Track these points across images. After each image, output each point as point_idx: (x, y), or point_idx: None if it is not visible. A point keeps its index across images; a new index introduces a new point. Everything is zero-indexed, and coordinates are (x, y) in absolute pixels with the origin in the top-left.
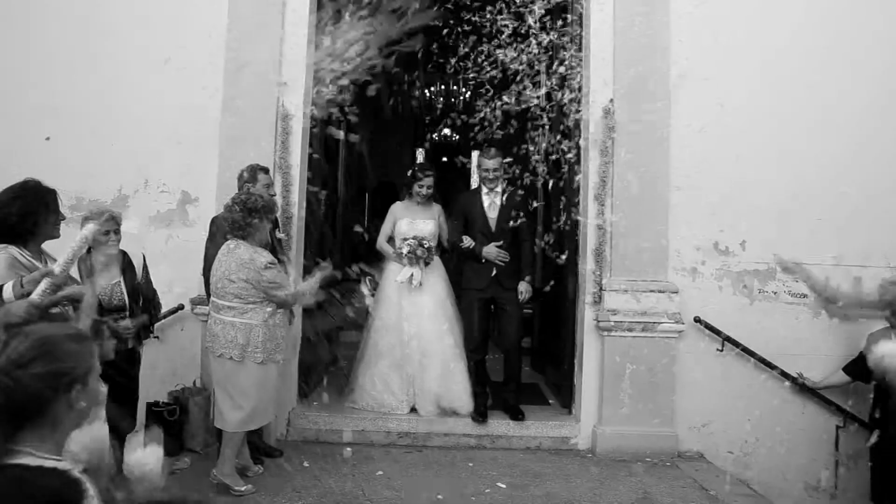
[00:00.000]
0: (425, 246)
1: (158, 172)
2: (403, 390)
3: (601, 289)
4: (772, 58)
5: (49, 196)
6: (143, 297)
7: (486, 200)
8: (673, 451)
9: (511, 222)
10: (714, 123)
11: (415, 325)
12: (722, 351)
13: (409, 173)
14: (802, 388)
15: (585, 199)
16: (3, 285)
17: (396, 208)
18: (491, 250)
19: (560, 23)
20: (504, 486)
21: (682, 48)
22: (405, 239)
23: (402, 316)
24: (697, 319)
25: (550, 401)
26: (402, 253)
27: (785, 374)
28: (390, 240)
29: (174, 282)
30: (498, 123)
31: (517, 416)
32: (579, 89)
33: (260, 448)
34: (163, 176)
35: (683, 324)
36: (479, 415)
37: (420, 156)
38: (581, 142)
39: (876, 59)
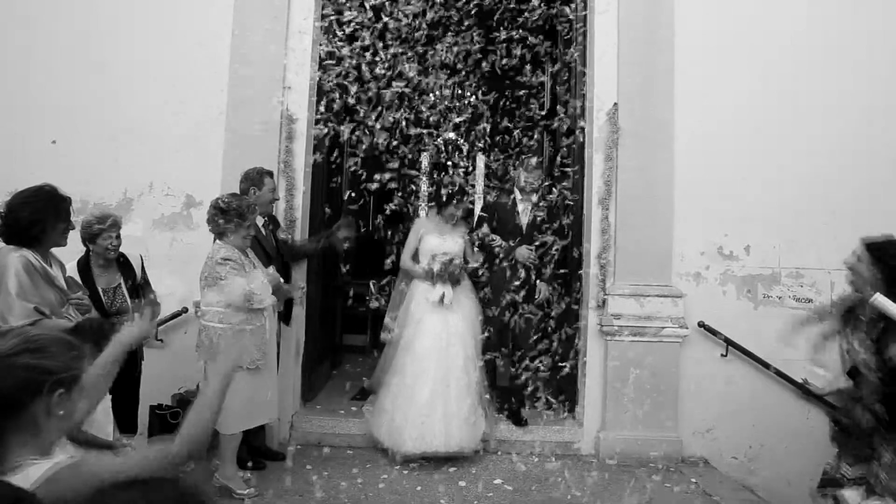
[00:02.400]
0: (457, 264)
1: (163, 176)
2: (422, 425)
3: (605, 293)
4: (774, 58)
5: (61, 204)
6: (144, 299)
7: (520, 206)
8: (677, 456)
9: (544, 225)
10: (718, 127)
11: (444, 348)
12: (726, 356)
13: (445, 197)
14: (807, 393)
15: (589, 203)
16: None
17: (422, 224)
18: (523, 252)
19: (564, 27)
20: (508, 489)
21: (686, 51)
22: (435, 256)
23: (429, 336)
24: (701, 324)
25: (553, 405)
26: (432, 271)
27: (789, 380)
28: (415, 258)
29: (178, 285)
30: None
31: (520, 422)
32: (583, 94)
33: (262, 451)
34: (167, 179)
35: (687, 328)
36: (516, 417)
37: (425, 159)
38: (585, 147)
39: (877, 59)
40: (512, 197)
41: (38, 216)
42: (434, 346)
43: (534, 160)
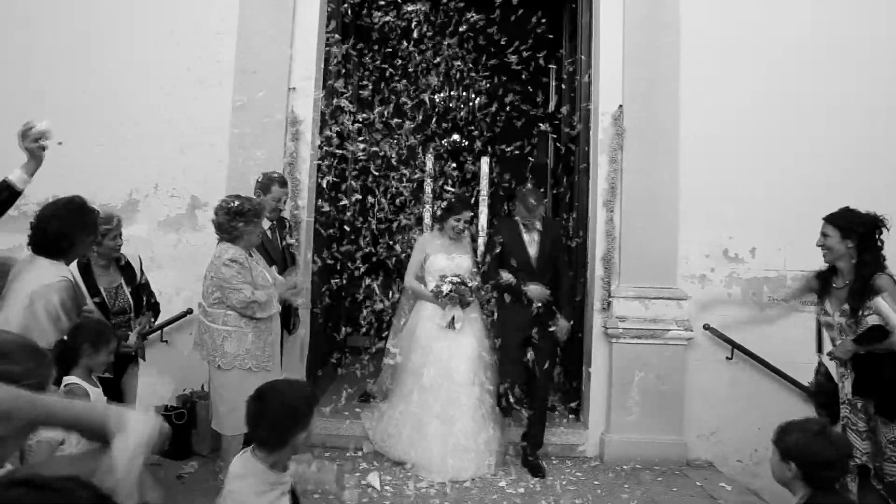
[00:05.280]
0: (468, 285)
1: (168, 177)
2: (438, 462)
3: (610, 295)
4: (778, 59)
5: (88, 217)
6: (144, 299)
7: (525, 237)
8: (682, 459)
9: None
10: (722, 128)
11: (453, 379)
12: (731, 358)
13: (445, 206)
14: (812, 395)
15: (594, 205)
16: None
17: (427, 242)
18: (536, 291)
19: (568, 29)
20: (511, 492)
21: (690, 53)
22: (444, 277)
23: (438, 364)
24: (706, 327)
25: (558, 407)
26: (442, 293)
27: (795, 383)
28: (420, 278)
29: (183, 286)
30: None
31: (537, 473)
32: (588, 96)
33: None
34: (173, 181)
35: (692, 331)
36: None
37: (429, 161)
38: (590, 148)
39: (881, 59)
40: (517, 226)
41: (65, 230)
42: (443, 377)
43: (532, 198)
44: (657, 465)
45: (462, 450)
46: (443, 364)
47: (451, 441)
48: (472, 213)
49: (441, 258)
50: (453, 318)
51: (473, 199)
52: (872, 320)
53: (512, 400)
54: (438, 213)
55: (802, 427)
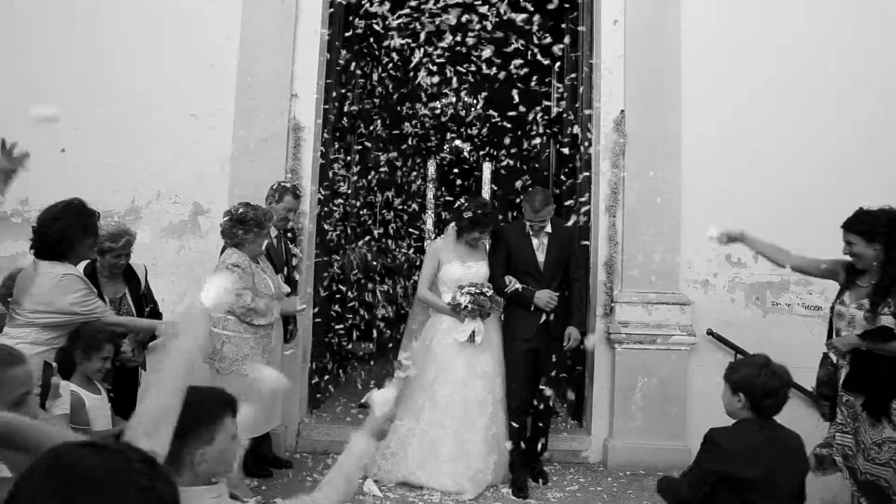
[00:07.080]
0: (488, 295)
1: (171, 184)
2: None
3: (612, 301)
4: (778, 59)
5: (88, 220)
6: (147, 308)
7: (534, 241)
8: (685, 464)
9: (560, 261)
10: (725, 133)
11: (469, 397)
12: None
13: (471, 219)
14: (817, 401)
15: (596, 210)
16: None
17: (440, 249)
18: (543, 297)
19: (569, 34)
20: (515, 499)
21: (692, 56)
22: (461, 287)
23: (454, 382)
24: (710, 332)
25: (561, 413)
26: (460, 305)
27: (799, 388)
28: (434, 286)
29: (186, 293)
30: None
31: (541, 479)
32: (590, 100)
33: (268, 459)
34: (175, 187)
35: (695, 336)
36: (520, 489)
37: (432, 168)
38: (592, 153)
39: (879, 60)
40: (525, 229)
41: (65, 233)
42: (458, 395)
43: (538, 198)
44: (661, 470)
45: (473, 471)
46: (460, 382)
47: (461, 462)
48: (494, 224)
49: (456, 266)
50: (473, 331)
51: None
52: (886, 321)
53: (517, 426)
54: (462, 223)
55: (749, 363)
